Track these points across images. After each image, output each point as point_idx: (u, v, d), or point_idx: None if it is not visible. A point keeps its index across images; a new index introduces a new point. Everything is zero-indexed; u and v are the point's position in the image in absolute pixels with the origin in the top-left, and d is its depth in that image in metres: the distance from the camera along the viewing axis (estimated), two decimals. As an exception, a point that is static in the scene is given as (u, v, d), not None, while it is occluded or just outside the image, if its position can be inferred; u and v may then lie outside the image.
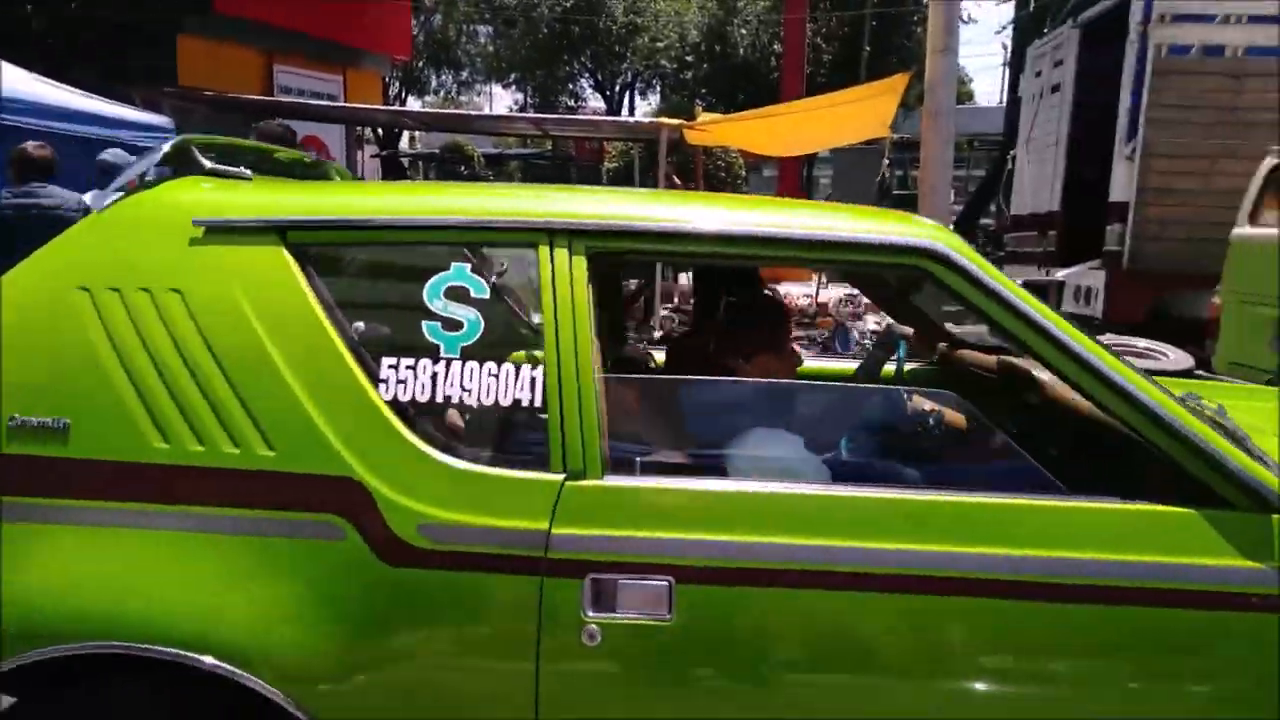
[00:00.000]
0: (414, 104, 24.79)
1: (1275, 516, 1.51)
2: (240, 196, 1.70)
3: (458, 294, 1.63)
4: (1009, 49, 19.41)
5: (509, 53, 26.15)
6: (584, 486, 1.55)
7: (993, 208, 13.29)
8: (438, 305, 1.62)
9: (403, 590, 1.52)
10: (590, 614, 1.50)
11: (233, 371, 1.55)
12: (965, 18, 24.44)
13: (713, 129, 9.89)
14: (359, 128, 13.94)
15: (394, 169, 16.81)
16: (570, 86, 27.77)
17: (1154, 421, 1.55)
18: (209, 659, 1.48)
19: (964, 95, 30.96)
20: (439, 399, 1.59)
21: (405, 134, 16.82)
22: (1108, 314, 6.88)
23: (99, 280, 1.58)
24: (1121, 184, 6.96)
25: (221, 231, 1.61)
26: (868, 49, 20.67)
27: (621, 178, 14.77)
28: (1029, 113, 9.08)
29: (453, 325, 1.62)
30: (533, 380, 1.58)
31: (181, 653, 1.48)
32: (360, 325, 1.70)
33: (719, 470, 1.82)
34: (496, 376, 1.59)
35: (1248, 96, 6.60)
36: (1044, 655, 1.55)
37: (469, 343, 1.61)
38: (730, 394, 2.00)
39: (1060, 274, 7.53)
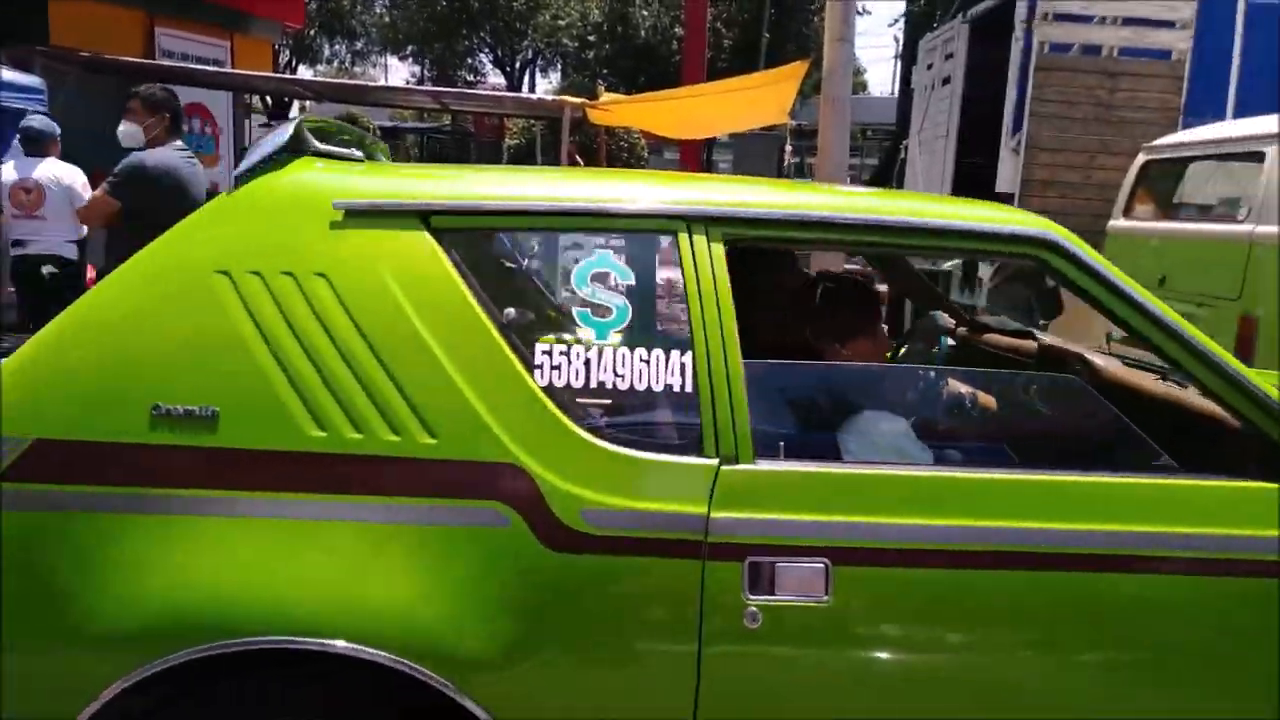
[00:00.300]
0: (305, 74, 23.91)
1: None
2: (375, 180, 1.68)
3: (604, 280, 1.64)
4: (901, 41, 19.98)
5: (406, 24, 25.47)
6: (739, 471, 1.56)
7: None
8: (586, 291, 1.63)
9: (567, 575, 1.50)
10: (750, 596, 1.52)
11: (388, 357, 1.51)
12: (861, 9, 24.94)
13: (616, 109, 9.86)
14: (247, 96, 13.34)
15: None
16: (469, 61, 27.26)
17: (1254, 401, 1.64)
18: (381, 652, 1.44)
19: (858, 86, 31.73)
20: (593, 385, 1.59)
21: (295, 104, 16.21)
22: (993, 301, 7.18)
23: (239, 264, 1.53)
24: (1007, 176, 7.25)
25: (364, 215, 1.57)
26: (767, 35, 20.94)
27: (523, 155, 14.60)
28: (920, 104, 9.35)
29: (602, 311, 1.63)
30: (683, 366, 1.59)
31: (356, 647, 1.44)
32: (511, 312, 1.68)
33: (842, 452, 1.85)
34: (648, 362, 1.59)
35: (1121, 95, 6.97)
36: (1193, 626, 1.61)
37: (619, 328, 1.62)
38: (841, 377, 2.05)
39: (946, 264, 7.81)
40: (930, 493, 1.61)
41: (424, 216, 1.60)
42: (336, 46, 25.96)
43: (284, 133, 1.66)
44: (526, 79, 28.17)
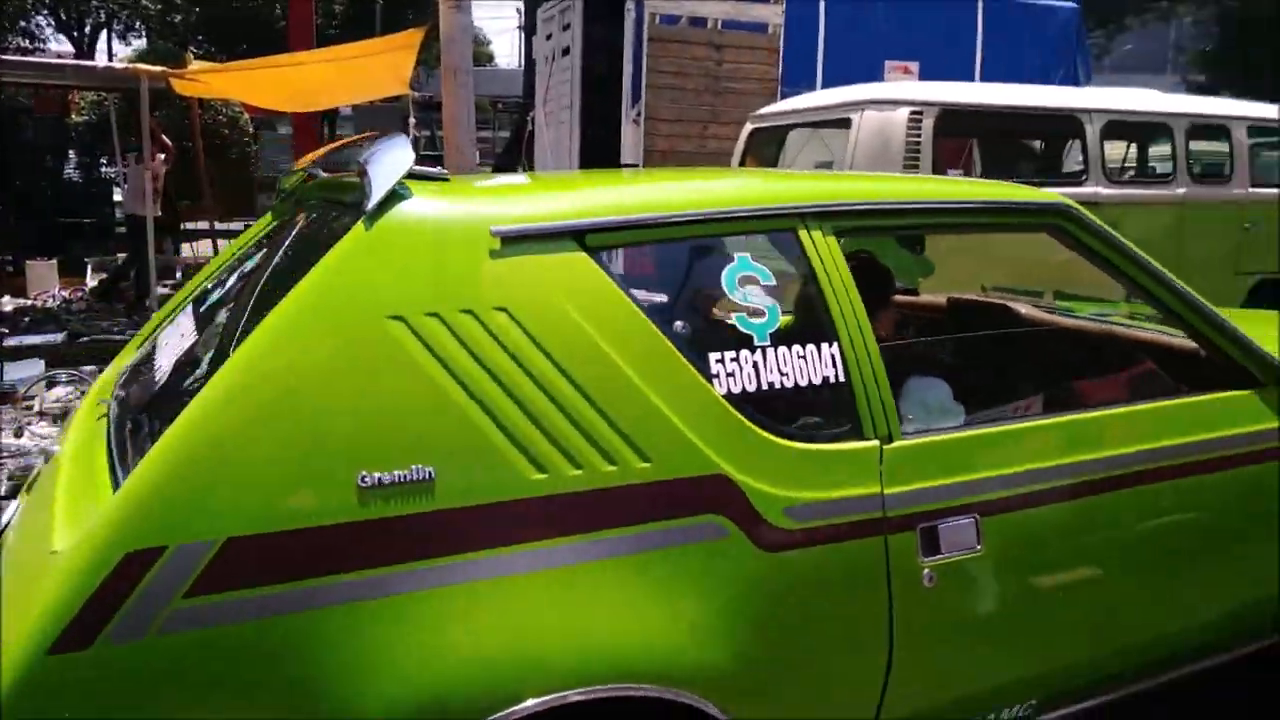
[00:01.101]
0: None
1: None
2: (517, 201, 1.66)
3: (751, 282, 1.69)
4: (522, 12, 19.98)
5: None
6: (896, 448, 1.69)
7: (519, 170, 13.57)
8: (739, 295, 1.67)
9: (782, 573, 1.55)
10: (924, 559, 1.66)
11: (588, 387, 1.46)
12: (476, -21, 24.60)
13: (207, 79, 8.70)
14: None
15: None
16: (23, 24, 23.07)
17: (1231, 338, 2.08)
18: (653, 688, 1.42)
19: (484, 57, 31.50)
20: (764, 386, 1.63)
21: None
22: (628, 270, 7.28)
23: (413, 307, 1.40)
24: (630, 146, 7.36)
25: (520, 240, 1.51)
26: (381, 1, 19.92)
27: (96, 134, 12.54)
28: (543, 76, 9.27)
29: (756, 314, 1.67)
30: (833, 357, 1.68)
31: (652, 688, 1.41)
32: (679, 324, 1.70)
33: (902, 419, 1.88)
34: (804, 358, 1.66)
35: (727, 66, 7.31)
36: (1244, 507, 2.06)
37: (774, 329, 1.66)
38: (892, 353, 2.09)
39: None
40: (1037, 440, 1.85)
41: (578, 236, 1.56)
42: None
43: (402, 151, 1.52)
44: (103, 45, 24.54)
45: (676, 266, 1.96)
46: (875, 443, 1.68)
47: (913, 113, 4.88)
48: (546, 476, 1.41)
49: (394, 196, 1.47)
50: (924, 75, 7.76)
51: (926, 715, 1.75)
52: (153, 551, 1.19)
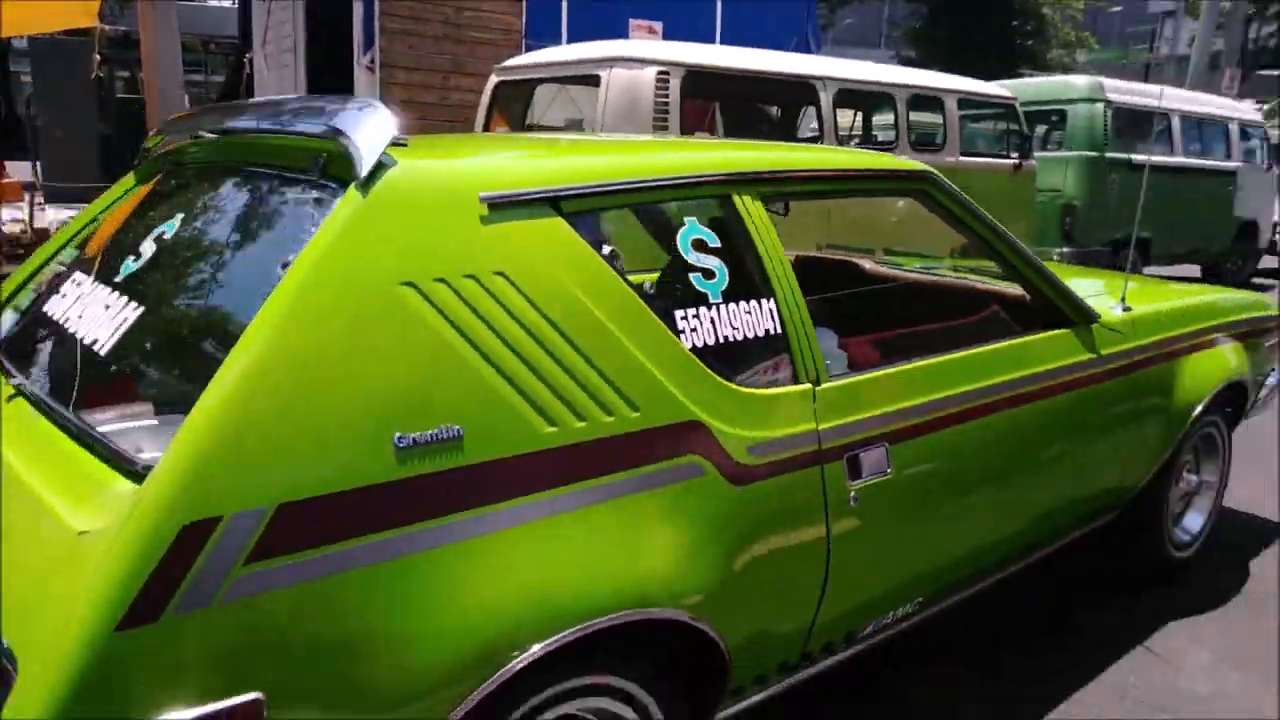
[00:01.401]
0: None
1: (1095, 326, 2.55)
2: (496, 169, 1.69)
3: (701, 244, 1.86)
4: (233, -56, 18.07)
5: None
6: (824, 389, 1.90)
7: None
8: (693, 258, 1.84)
9: (747, 504, 1.74)
10: (850, 483, 1.90)
11: (584, 345, 1.57)
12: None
13: None
14: None
15: None
16: None
17: (1055, 287, 2.49)
18: (656, 611, 1.58)
19: (191, -9, 28.41)
20: (720, 339, 1.81)
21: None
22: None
23: (421, 273, 1.44)
24: (364, 93, 6.82)
25: (505, 206, 1.57)
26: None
27: None
28: (261, 15, 8.41)
29: (709, 274, 1.84)
30: (771, 312, 1.88)
31: (655, 612, 1.58)
32: (646, 284, 1.90)
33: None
34: (750, 314, 1.86)
35: (468, 14, 6.93)
36: (1071, 423, 2.47)
37: (725, 287, 1.84)
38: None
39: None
40: (927, 377, 2.11)
41: (554, 202, 1.64)
42: None
43: (381, 114, 1.52)
44: None
45: (638, 229, 2.08)
46: (809, 386, 1.89)
47: (660, 72, 4.80)
48: (557, 429, 1.52)
49: (379, 164, 1.47)
50: (666, 35, 7.78)
51: (847, 615, 2.01)
52: (209, 522, 1.21)
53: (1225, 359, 2.99)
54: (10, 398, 1.67)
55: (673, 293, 1.87)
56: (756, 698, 1.91)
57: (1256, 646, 2.77)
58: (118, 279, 1.81)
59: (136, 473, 1.29)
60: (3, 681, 1.18)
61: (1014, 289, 2.61)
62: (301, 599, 1.27)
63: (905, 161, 2.37)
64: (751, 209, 1.90)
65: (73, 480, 1.37)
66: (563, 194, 1.64)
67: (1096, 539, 2.86)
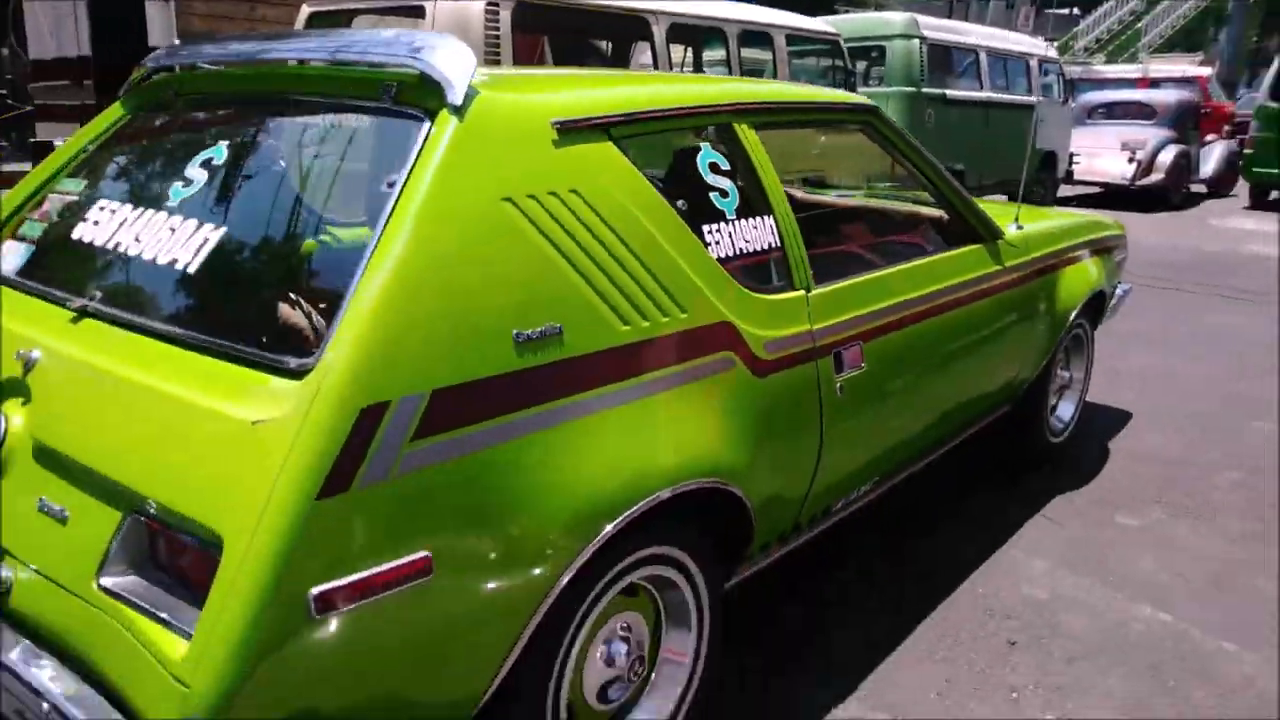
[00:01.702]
0: None
1: (1001, 242, 2.95)
2: (557, 97, 1.87)
3: (715, 168, 2.11)
4: None
5: None
6: (814, 295, 2.19)
7: (4, 52, 11.00)
8: (711, 179, 2.09)
9: (765, 392, 2.02)
10: (836, 376, 2.21)
11: (642, 255, 1.80)
12: None
13: None
14: None
15: None
16: None
17: (973, 210, 2.88)
18: (708, 480, 1.85)
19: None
20: (736, 251, 2.06)
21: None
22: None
23: (515, 190, 1.64)
24: (160, 28, 6.21)
25: (570, 131, 1.77)
26: None
27: None
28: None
29: (724, 193, 2.10)
30: (771, 227, 2.16)
31: (711, 481, 1.86)
32: (680, 202, 1.96)
33: None
34: (756, 229, 2.13)
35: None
36: (986, 326, 2.87)
37: (737, 205, 2.10)
38: None
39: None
40: (887, 285, 2.43)
41: (605, 128, 1.84)
42: None
43: (459, 46, 1.66)
44: None
45: (669, 153, 2.25)
46: (802, 292, 2.17)
47: (489, 4, 4.58)
48: (629, 328, 1.75)
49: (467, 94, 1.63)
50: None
51: (829, 489, 2.32)
52: (380, 406, 1.39)
53: (1092, 271, 3.54)
54: (76, 318, 1.76)
55: (699, 210, 2.04)
56: (756, 568, 2.25)
57: (1120, 495, 3.31)
58: (173, 204, 1.87)
59: (290, 370, 1.43)
60: (204, 562, 1.35)
61: (929, 212, 2.99)
62: (454, 472, 1.48)
63: (857, 97, 2.72)
64: (749, 136, 2.19)
65: (216, 382, 1.49)
66: (613, 120, 1.86)
67: (989, 431, 3.32)
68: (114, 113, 2.25)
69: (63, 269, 1.97)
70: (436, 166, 1.55)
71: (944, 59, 8.18)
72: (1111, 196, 11.99)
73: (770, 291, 2.09)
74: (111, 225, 1.91)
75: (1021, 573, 2.89)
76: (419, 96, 1.64)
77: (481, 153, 1.62)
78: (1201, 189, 12.52)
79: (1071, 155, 11.07)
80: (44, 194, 2.18)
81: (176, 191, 1.89)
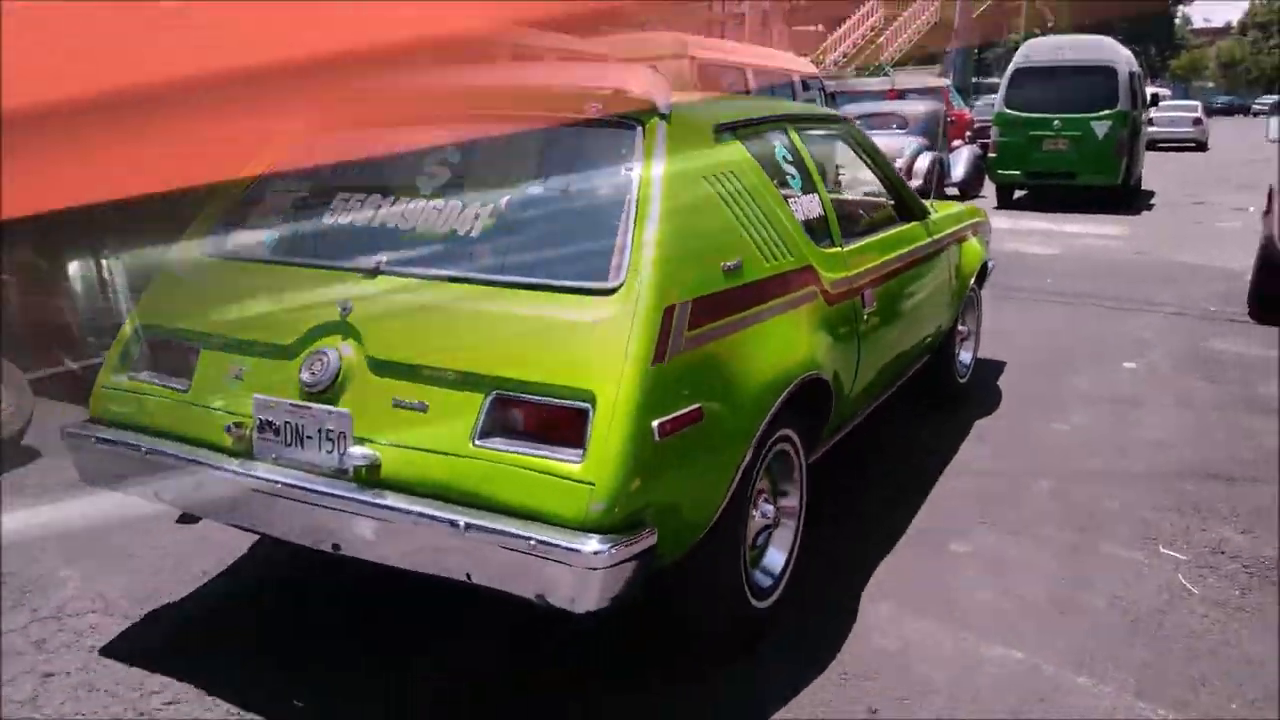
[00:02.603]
0: None
1: (928, 219, 4.02)
2: (704, 111, 2.86)
3: (785, 159, 3.06)
4: None
5: None
6: (846, 250, 3.09)
7: None
8: (784, 166, 3.03)
9: (833, 318, 2.87)
10: (864, 310, 3.09)
11: (770, 216, 2.67)
12: None
13: None
14: None
15: None
16: None
17: (912, 197, 4.00)
18: (815, 373, 2.67)
19: None
20: (804, 217, 2.93)
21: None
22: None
23: (705, 169, 2.53)
24: None
25: (719, 132, 2.70)
26: None
27: None
28: None
29: (793, 176, 3.03)
30: (819, 202, 3.07)
31: (820, 373, 2.71)
32: (775, 181, 2.85)
33: None
34: (811, 201, 3.03)
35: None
36: (930, 281, 3.92)
37: (800, 184, 3.03)
38: None
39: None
40: (879, 247, 3.42)
41: (733, 129, 2.77)
42: None
43: (655, 75, 2.56)
44: None
45: (758, 144, 2.95)
46: (840, 248, 3.04)
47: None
48: (771, 264, 2.60)
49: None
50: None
51: (856, 398, 3.13)
52: (672, 307, 2.16)
53: (978, 246, 4.69)
54: (373, 273, 2.37)
55: (783, 186, 2.91)
56: (816, 455, 2.96)
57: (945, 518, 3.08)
58: (429, 190, 2.54)
59: (606, 289, 2.14)
60: (568, 415, 2.03)
61: (876, 200, 4.02)
62: (706, 353, 2.26)
63: (836, 112, 4.01)
64: (795, 136, 3.16)
65: (545, 302, 2.18)
66: (733, 124, 2.78)
67: (918, 374, 4.17)
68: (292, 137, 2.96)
69: (320, 245, 2.59)
70: (668, 155, 2.38)
71: (714, 78, 8.20)
72: (877, 202, 12.57)
73: (825, 247, 2.96)
74: (365, 211, 2.56)
75: (869, 619, 2.74)
76: (626, 109, 2.47)
77: (685, 146, 2.47)
78: (954, 191, 13.44)
79: (838, 167, 11.49)
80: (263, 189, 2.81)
81: (427, 183, 2.56)
